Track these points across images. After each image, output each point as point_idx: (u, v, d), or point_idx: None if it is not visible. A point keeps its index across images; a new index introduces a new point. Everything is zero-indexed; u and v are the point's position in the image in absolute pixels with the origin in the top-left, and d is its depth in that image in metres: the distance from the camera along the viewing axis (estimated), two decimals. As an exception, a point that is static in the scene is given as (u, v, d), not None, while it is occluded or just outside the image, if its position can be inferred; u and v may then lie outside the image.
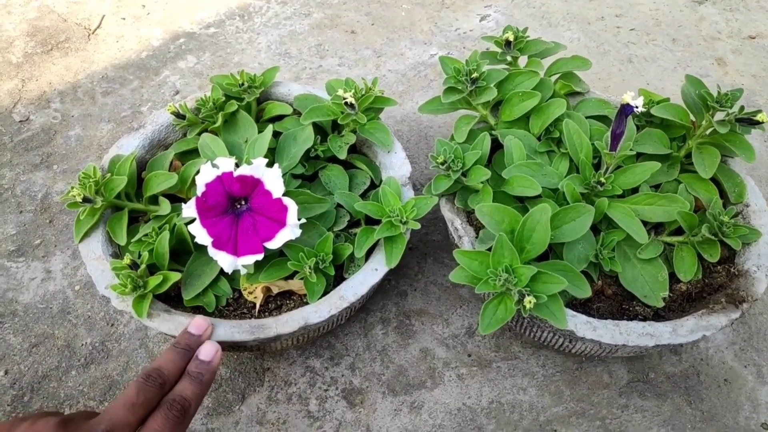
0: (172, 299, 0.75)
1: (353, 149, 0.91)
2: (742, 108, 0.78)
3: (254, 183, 0.68)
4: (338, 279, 0.76)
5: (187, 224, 0.71)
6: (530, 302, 0.63)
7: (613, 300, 0.76)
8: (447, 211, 0.80)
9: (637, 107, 0.72)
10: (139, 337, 0.88)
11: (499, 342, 0.87)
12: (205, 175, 0.66)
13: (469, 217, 0.81)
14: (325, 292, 0.73)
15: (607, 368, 0.85)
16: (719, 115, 0.79)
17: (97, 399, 0.82)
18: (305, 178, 0.85)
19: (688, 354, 0.86)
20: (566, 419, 0.80)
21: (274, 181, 0.68)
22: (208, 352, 0.62)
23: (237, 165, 0.73)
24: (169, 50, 1.32)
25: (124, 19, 1.39)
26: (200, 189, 0.66)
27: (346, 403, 0.82)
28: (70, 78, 1.26)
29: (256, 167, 0.67)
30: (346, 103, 0.80)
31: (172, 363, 0.60)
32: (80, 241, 0.76)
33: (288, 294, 0.76)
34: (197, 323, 0.66)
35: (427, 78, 1.25)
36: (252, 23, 1.38)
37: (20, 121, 1.17)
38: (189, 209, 0.67)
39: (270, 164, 0.79)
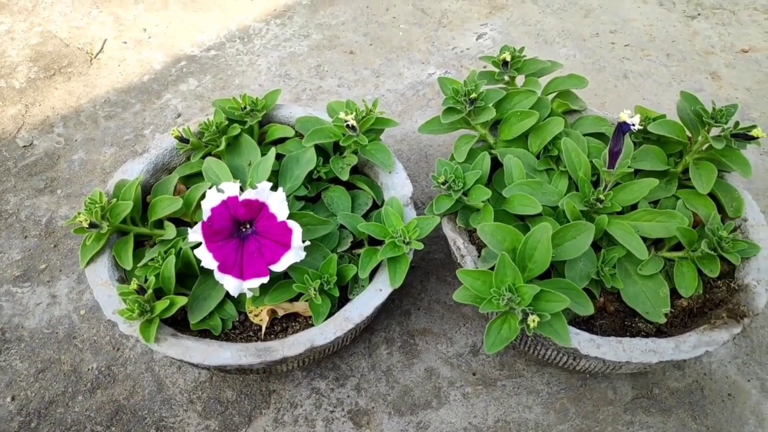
0: (178, 323, 0.76)
1: (355, 170, 0.92)
2: (737, 123, 0.79)
3: (259, 207, 0.69)
4: (343, 300, 0.77)
5: (192, 248, 0.72)
6: (534, 321, 0.64)
7: (615, 317, 0.77)
8: (449, 231, 0.81)
9: (633, 125, 0.73)
10: (145, 361, 0.88)
11: (504, 360, 0.88)
12: (211, 199, 0.67)
13: (471, 235, 0.81)
14: (330, 314, 0.73)
15: (611, 384, 0.85)
16: (715, 131, 0.80)
17: (104, 424, 0.82)
18: (308, 199, 0.86)
19: (692, 369, 0.86)
20: (572, 436, 0.81)
21: (278, 204, 0.68)
22: None
23: (241, 189, 0.74)
24: (171, 73, 1.34)
25: (125, 43, 1.41)
26: (206, 214, 0.67)
27: (352, 425, 0.82)
28: (72, 102, 1.27)
29: (261, 191, 0.68)
30: (347, 126, 0.81)
31: None
32: (86, 266, 0.77)
33: (293, 316, 0.77)
34: None
35: (425, 97, 1.27)
36: (252, 45, 1.40)
37: (24, 146, 1.18)
38: (195, 234, 0.68)
39: (274, 187, 0.80)
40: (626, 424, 0.82)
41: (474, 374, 0.87)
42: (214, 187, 0.69)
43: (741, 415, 0.82)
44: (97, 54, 1.38)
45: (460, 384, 0.86)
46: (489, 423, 0.82)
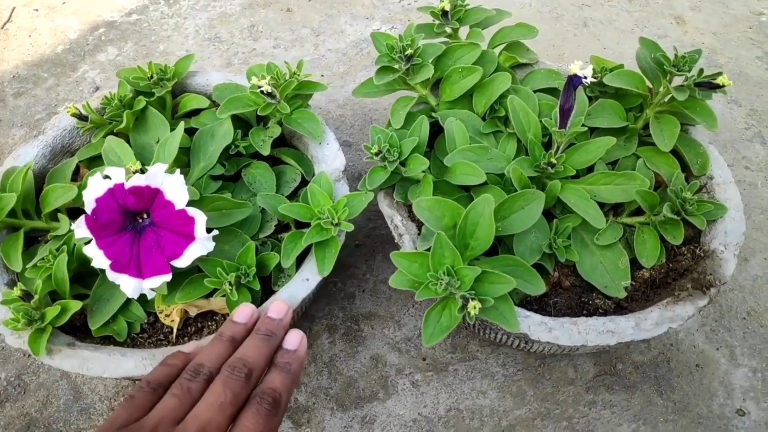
0: (79, 329, 0.66)
1: (283, 142, 0.82)
2: (701, 71, 0.70)
3: (152, 194, 0.59)
4: (268, 291, 0.68)
5: (84, 244, 0.62)
6: (475, 307, 0.56)
7: (571, 292, 0.70)
8: (385, 207, 0.72)
9: (585, 78, 0.64)
10: (59, 367, 0.79)
11: (456, 342, 0.80)
12: (94, 189, 0.57)
13: (411, 211, 0.73)
14: (253, 309, 0.65)
15: (572, 362, 0.78)
16: (678, 80, 0.72)
17: (12, 441, 0.74)
18: (227, 178, 0.76)
19: (657, 340, 0.80)
20: (530, 422, 0.74)
21: (175, 190, 0.59)
22: (294, 340, 0.57)
23: (143, 171, 0.63)
24: (88, 42, 1.20)
25: (36, 10, 1.27)
26: (89, 205, 0.57)
27: (291, 423, 0.75)
28: (-24, 80, 1.14)
29: (153, 176, 0.58)
30: (262, 92, 0.71)
31: (256, 351, 0.53)
32: (-31, 270, 0.67)
33: (210, 314, 0.68)
34: (277, 307, 0.59)
35: (370, 56, 1.16)
36: (178, 7, 1.26)
37: None
38: (80, 229, 0.58)
39: (184, 167, 0.70)
40: (588, 404, 0.76)
41: (424, 359, 0.79)
42: (98, 174, 0.58)
43: (710, 387, 0.77)
44: (5, 24, 1.24)
45: (409, 371, 0.78)
46: (440, 412, 0.75)
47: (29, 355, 0.81)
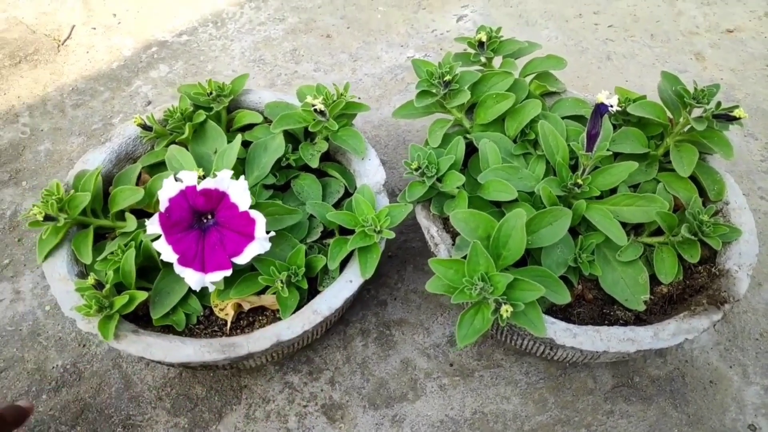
0: (140, 319, 0.73)
1: (327, 157, 0.89)
2: (719, 104, 0.76)
3: (219, 196, 0.66)
4: (313, 292, 0.74)
5: (153, 240, 0.69)
6: (507, 311, 0.61)
7: (593, 305, 0.75)
8: (423, 218, 0.78)
9: (612, 106, 0.70)
10: (112, 357, 0.85)
11: (482, 350, 0.85)
12: (168, 189, 0.64)
13: (446, 223, 0.79)
14: (299, 307, 0.71)
15: (591, 373, 0.83)
16: (697, 112, 0.78)
17: (68, 423, 0.80)
18: (277, 188, 0.83)
19: (673, 356, 0.84)
20: (551, 428, 0.79)
21: (240, 193, 0.65)
22: None
23: (205, 177, 0.70)
24: (141, 60, 1.29)
25: (94, 29, 1.36)
26: (163, 204, 0.64)
27: (326, 419, 0.80)
28: (39, 91, 1.23)
29: (221, 180, 0.65)
30: (315, 110, 0.78)
31: None
32: (44, 260, 0.74)
33: (261, 310, 0.74)
34: None
35: (404, 81, 1.23)
36: (225, 30, 1.35)
37: (-12, 137, 1.14)
38: (153, 225, 0.65)
39: (240, 175, 0.77)
40: (606, 414, 0.80)
41: (451, 365, 0.84)
42: (172, 177, 0.65)
43: (722, 403, 0.80)
44: (65, 41, 1.34)
45: (437, 375, 0.83)
46: (466, 415, 0.80)
47: (84, 345, 0.87)
